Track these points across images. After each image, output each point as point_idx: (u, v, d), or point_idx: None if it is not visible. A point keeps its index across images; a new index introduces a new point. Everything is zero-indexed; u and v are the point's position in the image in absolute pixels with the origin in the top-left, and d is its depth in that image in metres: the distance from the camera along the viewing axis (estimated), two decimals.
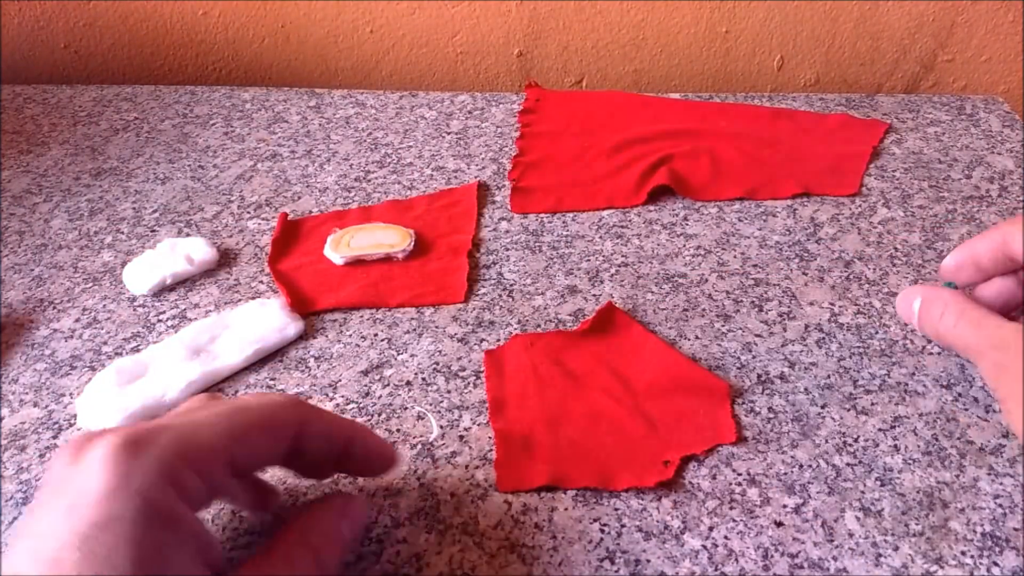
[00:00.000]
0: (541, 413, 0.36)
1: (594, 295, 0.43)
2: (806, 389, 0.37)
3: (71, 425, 0.36)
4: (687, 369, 0.37)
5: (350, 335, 0.40)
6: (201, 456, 0.23)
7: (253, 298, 0.42)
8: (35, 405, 0.37)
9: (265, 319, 0.40)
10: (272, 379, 0.38)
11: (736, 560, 0.30)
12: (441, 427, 0.35)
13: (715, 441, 0.34)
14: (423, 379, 0.38)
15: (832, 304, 0.42)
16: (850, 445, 0.34)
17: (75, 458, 0.22)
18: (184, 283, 0.44)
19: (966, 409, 0.36)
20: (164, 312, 0.42)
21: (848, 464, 0.33)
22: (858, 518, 0.31)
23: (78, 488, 0.21)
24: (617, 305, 0.41)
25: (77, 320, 0.41)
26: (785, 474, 0.33)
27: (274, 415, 0.26)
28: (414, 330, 0.41)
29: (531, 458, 0.34)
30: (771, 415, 0.36)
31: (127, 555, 0.20)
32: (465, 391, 0.37)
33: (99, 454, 0.22)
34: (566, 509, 0.32)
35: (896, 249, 0.46)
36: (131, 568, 0.20)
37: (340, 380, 0.38)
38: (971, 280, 0.34)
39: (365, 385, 0.38)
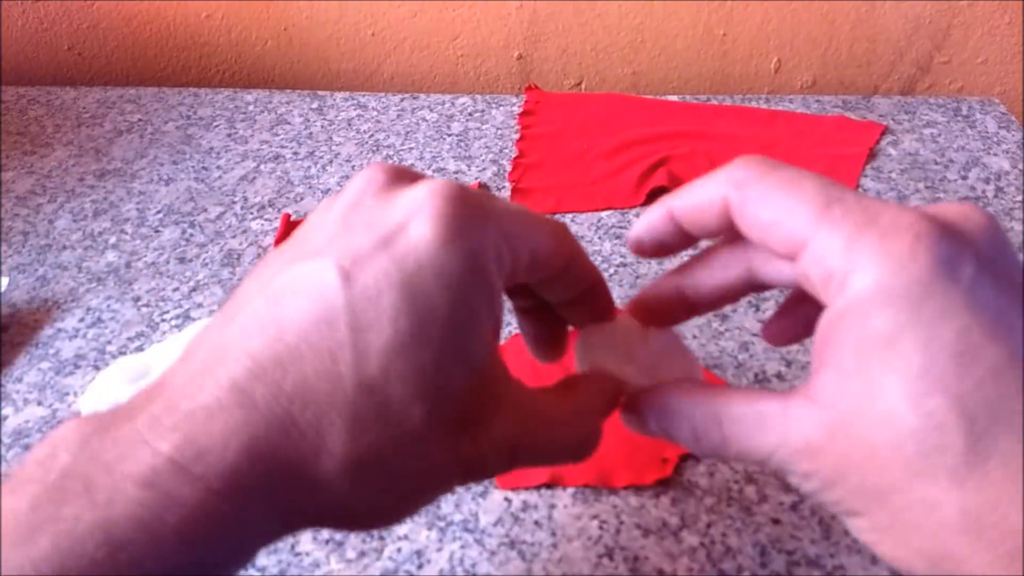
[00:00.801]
0: None
1: None
2: None
3: None
4: None
5: None
6: (519, 239, 0.20)
7: None
8: (39, 404, 0.37)
9: None
10: None
11: (734, 557, 0.30)
12: None
13: None
14: None
15: None
16: None
17: (387, 194, 0.19)
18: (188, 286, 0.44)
19: None
20: (168, 312, 0.42)
21: None
22: None
23: (395, 224, 0.18)
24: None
25: (81, 320, 0.42)
26: None
27: (562, 229, 0.22)
28: None
29: None
30: None
31: (447, 307, 0.18)
32: None
33: (428, 201, 0.18)
34: (565, 506, 0.32)
35: None
36: (447, 324, 0.18)
37: None
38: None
39: None
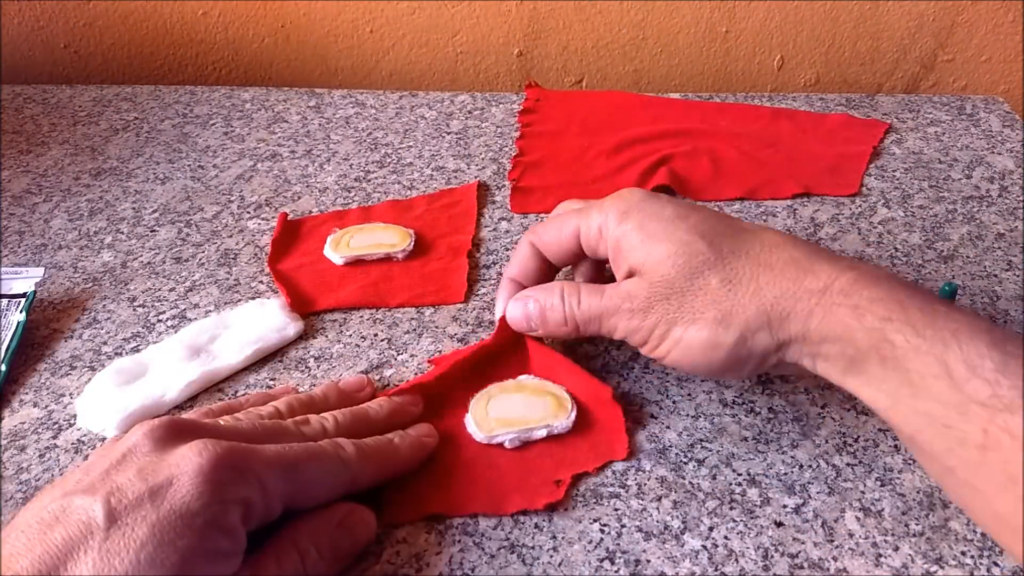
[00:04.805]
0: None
1: None
2: (806, 389, 0.37)
3: (71, 425, 0.36)
4: (578, 383, 0.36)
5: (350, 335, 0.40)
6: (274, 492, 0.26)
7: (253, 298, 0.42)
8: (35, 405, 0.37)
9: (265, 319, 0.40)
10: (272, 379, 0.38)
11: (736, 560, 0.30)
12: None
13: (608, 457, 0.33)
14: None
15: None
16: (850, 445, 0.34)
17: (164, 446, 0.26)
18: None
19: None
20: (164, 312, 0.42)
21: (848, 464, 0.33)
22: (858, 518, 0.31)
23: (164, 479, 0.24)
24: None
25: (77, 320, 0.41)
26: (785, 474, 0.33)
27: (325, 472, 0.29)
28: (414, 330, 0.41)
29: (422, 484, 0.32)
30: (771, 415, 0.36)
31: (186, 546, 0.23)
32: None
33: (193, 462, 0.25)
34: (566, 509, 0.32)
35: (896, 249, 0.46)
36: (184, 555, 0.23)
37: (340, 380, 0.38)
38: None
39: None
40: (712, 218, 0.32)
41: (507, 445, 0.33)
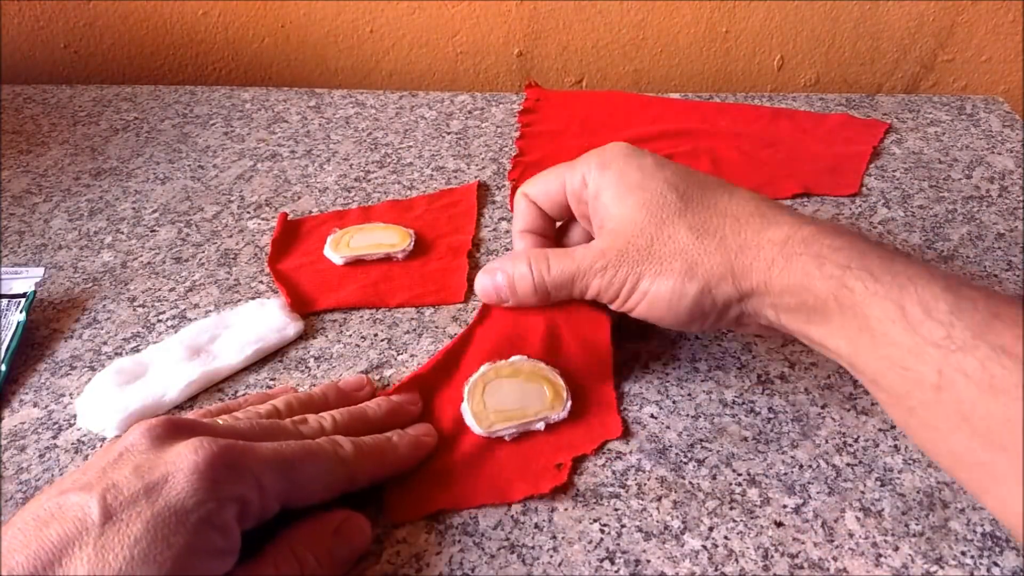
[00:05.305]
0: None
1: None
2: (806, 389, 0.37)
3: (71, 425, 0.36)
4: (576, 360, 0.36)
5: (350, 335, 0.40)
6: (270, 488, 0.26)
7: (253, 298, 0.42)
8: (35, 405, 0.37)
9: (265, 319, 0.40)
10: (272, 379, 0.38)
11: (736, 560, 0.30)
12: None
13: (603, 438, 0.34)
14: None
15: None
16: (850, 445, 0.34)
17: (161, 444, 0.26)
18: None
19: None
20: (164, 312, 0.42)
21: (848, 464, 0.33)
22: (858, 518, 0.31)
23: (160, 476, 0.24)
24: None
25: (77, 320, 0.41)
26: (785, 474, 0.33)
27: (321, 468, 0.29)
28: (414, 330, 0.41)
29: (424, 481, 0.32)
30: (771, 415, 0.36)
31: (183, 544, 0.23)
32: None
33: (189, 459, 0.25)
34: (566, 509, 0.32)
35: (896, 249, 0.46)
36: (177, 552, 0.23)
37: (340, 380, 0.38)
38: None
39: None
40: (685, 171, 0.34)
41: (507, 439, 0.34)
